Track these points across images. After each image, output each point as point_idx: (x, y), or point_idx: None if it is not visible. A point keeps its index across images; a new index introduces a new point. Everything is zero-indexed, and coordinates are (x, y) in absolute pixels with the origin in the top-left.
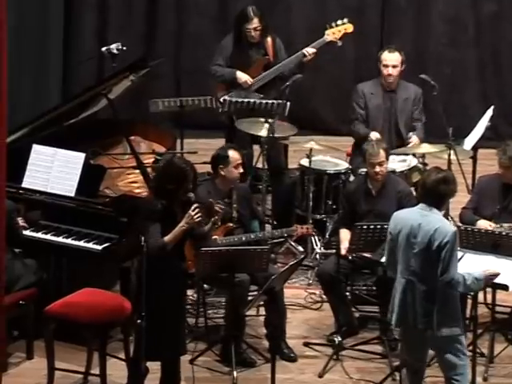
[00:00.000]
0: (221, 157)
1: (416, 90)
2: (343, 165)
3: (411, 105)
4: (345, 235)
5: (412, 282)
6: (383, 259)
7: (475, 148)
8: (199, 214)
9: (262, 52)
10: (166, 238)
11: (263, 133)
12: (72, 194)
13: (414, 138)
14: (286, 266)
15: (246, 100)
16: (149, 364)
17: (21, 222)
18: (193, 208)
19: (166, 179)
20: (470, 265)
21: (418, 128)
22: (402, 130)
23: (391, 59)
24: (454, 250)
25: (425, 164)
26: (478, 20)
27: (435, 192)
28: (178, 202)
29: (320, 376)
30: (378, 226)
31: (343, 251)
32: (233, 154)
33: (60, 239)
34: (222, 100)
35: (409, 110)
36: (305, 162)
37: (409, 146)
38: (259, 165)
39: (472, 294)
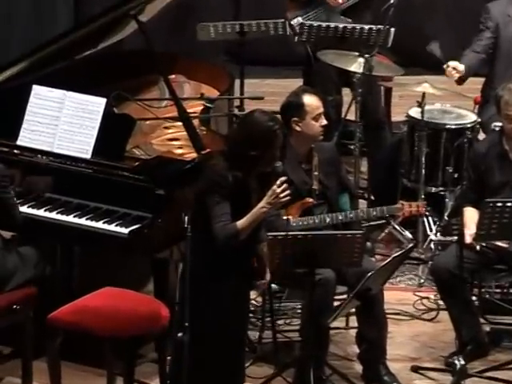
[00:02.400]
0: (295, 105)
1: None
2: (469, 117)
3: None
4: (471, 216)
5: None
6: None
7: None
8: (288, 192)
9: None
10: (240, 224)
11: (357, 69)
12: (88, 156)
13: None
14: (388, 260)
15: (332, 25)
16: None
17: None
18: (279, 182)
19: (246, 143)
20: None
21: None
22: None
23: None
24: None
25: None
26: None
27: None
28: (255, 174)
29: None
30: None
31: (468, 239)
32: (311, 101)
33: (70, 219)
34: (296, 24)
35: None
36: (415, 112)
37: None
38: (350, 116)
39: None
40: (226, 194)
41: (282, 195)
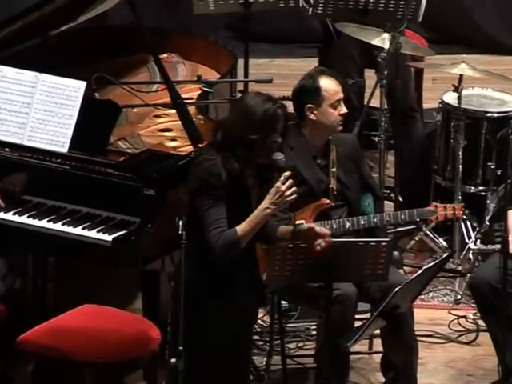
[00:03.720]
0: (309, 89)
1: None
2: None
3: None
4: None
5: None
6: None
7: None
8: (294, 189)
9: None
10: (240, 229)
11: (381, 45)
12: (64, 150)
13: None
14: (419, 272)
15: None
16: None
17: None
18: (283, 178)
19: (243, 128)
20: None
21: None
22: None
23: None
24: None
25: None
26: None
27: None
28: (253, 166)
29: None
30: None
31: None
32: (329, 85)
33: (43, 224)
34: None
35: None
36: (451, 98)
37: None
38: (374, 103)
39: None
40: (221, 195)
41: (287, 193)
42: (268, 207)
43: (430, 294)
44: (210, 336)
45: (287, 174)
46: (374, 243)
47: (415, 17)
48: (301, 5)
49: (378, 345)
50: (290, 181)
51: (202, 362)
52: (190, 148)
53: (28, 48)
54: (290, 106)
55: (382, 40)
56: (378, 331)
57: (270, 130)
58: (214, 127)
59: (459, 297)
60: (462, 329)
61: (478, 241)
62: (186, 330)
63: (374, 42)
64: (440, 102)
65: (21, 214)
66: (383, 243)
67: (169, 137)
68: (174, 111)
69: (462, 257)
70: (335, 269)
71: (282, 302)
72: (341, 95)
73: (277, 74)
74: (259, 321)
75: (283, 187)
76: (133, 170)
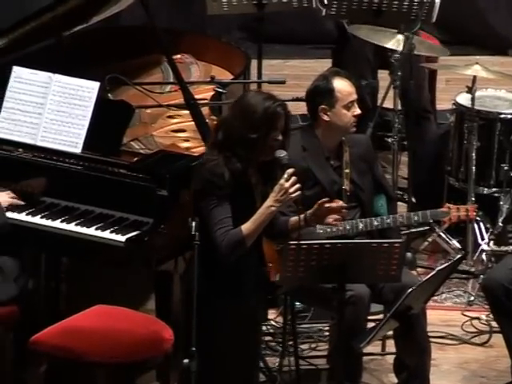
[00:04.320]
0: (323, 90)
1: None
2: None
3: None
4: None
5: None
6: None
7: None
8: (297, 186)
9: None
10: (245, 228)
11: (395, 47)
12: (77, 150)
13: None
14: (432, 273)
15: None
16: None
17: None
18: (286, 176)
19: (243, 127)
20: None
21: None
22: None
23: None
24: None
25: None
26: None
27: None
28: (255, 165)
29: None
30: None
31: None
32: (343, 86)
33: (57, 224)
34: None
35: None
36: (464, 99)
37: None
38: (388, 104)
39: None
40: (225, 195)
41: (291, 190)
42: (272, 205)
43: (443, 296)
44: (219, 336)
45: (290, 171)
46: (387, 244)
47: (429, 18)
48: (314, 5)
49: (390, 346)
50: (293, 178)
51: (210, 361)
52: (203, 149)
53: (41, 49)
54: (303, 106)
55: (396, 42)
56: (390, 332)
57: (271, 128)
58: (215, 127)
59: (472, 298)
60: (475, 330)
61: (491, 242)
62: (195, 331)
63: (388, 45)
64: (453, 103)
65: (34, 214)
66: (396, 244)
67: (182, 137)
68: (187, 112)
69: (475, 258)
70: (348, 270)
71: (295, 302)
72: (354, 96)
73: (290, 75)
74: (272, 322)
75: (287, 184)
76: (146, 170)
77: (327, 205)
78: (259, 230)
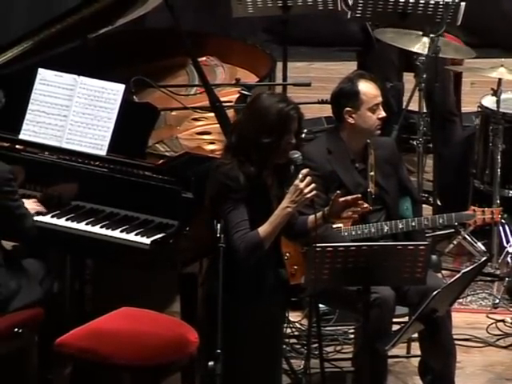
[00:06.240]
0: (348, 93)
1: None
2: None
3: None
4: None
5: None
6: None
7: None
8: (313, 186)
9: None
10: (262, 230)
11: (421, 50)
12: (103, 153)
13: None
14: (457, 276)
15: None
16: None
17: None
18: (301, 176)
19: (257, 130)
20: None
21: None
22: None
23: None
24: None
25: None
26: None
27: None
28: (270, 167)
29: None
30: None
31: None
32: (368, 89)
33: (82, 226)
34: None
35: None
36: (489, 101)
37: None
38: (413, 106)
39: None
40: (241, 198)
41: (306, 190)
42: (288, 206)
43: (468, 298)
44: (239, 338)
45: (305, 171)
46: (412, 247)
47: (454, 20)
48: (339, 8)
49: (415, 348)
50: (308, 178)
51: (231, 362)
52: None
53: (67, 51)
54: (328, 109)
55: (422, 45)
56: (415, 335)
57: (285, 131)
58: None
59: (497, 301)
60: (500, 333)
61: None
62: (216, 333)
63: (413, 49)
64: (479, 106)
65: (59, 216)
66: (421, 247)
67: (207, 140)
68: (212, 114)
69: (500, 261)
70: (373, 272)
71: (320, 305)
72: (379, 99)
73: (315, 78)
74: (297, 324)
75: (302, 185)
76: (171, 172)
77: (342, 199)
78: (276, 232)
